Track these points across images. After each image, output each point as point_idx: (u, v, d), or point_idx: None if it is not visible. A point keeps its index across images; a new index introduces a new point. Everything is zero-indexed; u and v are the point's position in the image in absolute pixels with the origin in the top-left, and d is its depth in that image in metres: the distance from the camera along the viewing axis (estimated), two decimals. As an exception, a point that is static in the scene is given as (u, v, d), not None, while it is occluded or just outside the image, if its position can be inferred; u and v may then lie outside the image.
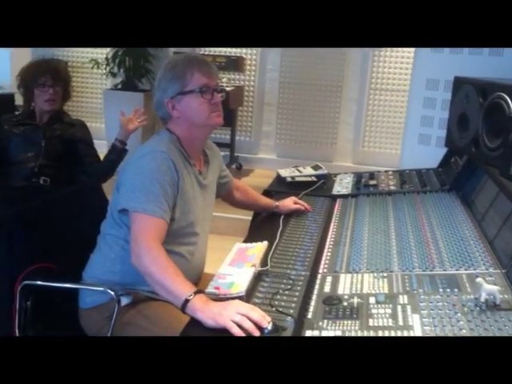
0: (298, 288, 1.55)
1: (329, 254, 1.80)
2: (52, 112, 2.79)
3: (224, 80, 5.43)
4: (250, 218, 2.53)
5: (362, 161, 5.44)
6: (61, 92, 2.79)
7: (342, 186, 2.59)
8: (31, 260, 1.69)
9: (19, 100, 3.38)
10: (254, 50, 5.69)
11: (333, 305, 1.43)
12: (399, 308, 1.38)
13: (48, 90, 2.71)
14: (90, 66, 5.57)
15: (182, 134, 1.76)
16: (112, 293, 1.61)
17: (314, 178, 2.70)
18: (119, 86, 5.54)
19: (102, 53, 5.68)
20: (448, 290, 1.46)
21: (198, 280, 1.83)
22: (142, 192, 1.59)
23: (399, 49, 5.28)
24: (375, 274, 1.60)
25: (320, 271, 1.67)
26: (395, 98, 5.37)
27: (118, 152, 2.75)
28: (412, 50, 5.10)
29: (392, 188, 2.49)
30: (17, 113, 3.08)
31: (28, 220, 1.75)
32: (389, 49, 5.30)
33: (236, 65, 5.56)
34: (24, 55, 3.90)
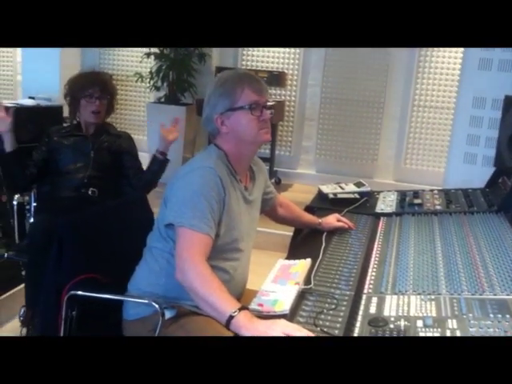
0: (343, 308, 1.53)
1: (373, 273, 1.77)
2: (97, 124, 2.84)
3: (265, 95, 5.44)
4: (290, 233, 2.52)
5: (404, 178, 5.37)
6: (106, 104, 2.83)
7: (386, 204, 2.55)
8: (78, 270, 1.71)
9: (67, 112, 3.47)
10: (296, 66, 5.71)
11: (379, 326, 1.40)
12: (448, 333, 1.35)
13: (95, 101, 2.76)
14: (135, 80, 5.68)
15: (230, 150, 1.76)
16: (156, 306, 1.62)
17: (357, 195, 2.67)
18: (162, 100, 5.63)
19: (146, 66, 5.79)
20: (499, 315, 1.42)
21: (241, 296, 1.83)
22: (189, 207, 1.60)
23: (444, 65, 5.22)
24: (422, 297, 1.56)
25: (365, 291, 1.64)
26: (439, 116, 5.30)
27: (159, 163, 2.77)
28: (457, 66, 5.04)
29: (438, 208, 2.44)
30: (65, 124, 3.14)
31: (77, 231, 1.78)
32: (433, 65, 5.24)
33: (278, 80, 5.58)
34: (73, 68, 4.00)
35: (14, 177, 2.67)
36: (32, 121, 2.96)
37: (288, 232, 2.59)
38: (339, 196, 2.68)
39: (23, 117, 2.69)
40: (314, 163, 5.78)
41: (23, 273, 2.89)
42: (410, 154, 5.46)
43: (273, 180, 5.51)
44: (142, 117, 6.14)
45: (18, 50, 6.23)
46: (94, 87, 2.76)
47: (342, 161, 5.65)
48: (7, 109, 2.67)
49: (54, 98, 3.56)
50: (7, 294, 2.94)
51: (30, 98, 3.53)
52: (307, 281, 1.69)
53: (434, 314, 1.46)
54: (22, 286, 2.86)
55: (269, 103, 1.81)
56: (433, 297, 1.56)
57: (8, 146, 2.62)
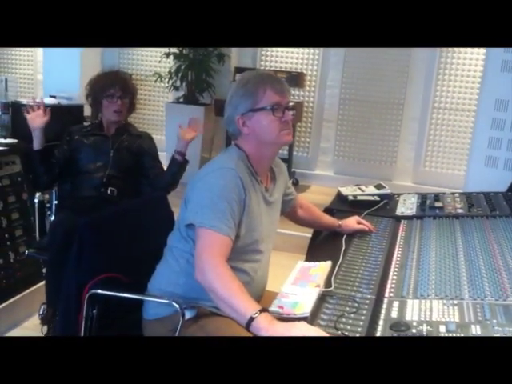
0: (364, 312, 1.51)
1: (395, 277, 1.75)
2: (119, 123, 2.85)
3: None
4: (309, 235, 2.51)
5: (423, 181, 5.33)
6: (128, 104, 2.85)
7: (406, 206, 2.53)
8: (99, 269, 1.72)
9: (88, 111, 3.49)
10: (315, 66, 5.69)
11: (401, 331, 1.39)
12: (472, 339, 1.33)
13: (116, 101, 2.77)
14: (154, 80, 5.70)
15: (251, 151, 1.76)
16: (176, 306, 1.62)
17: (377, 198, 2.65)
18: (181, 100, 5.65)
19: (165, 67, 5.81)
20: (524, 321, 1.39)
21: (260, 297, 1.82)
22: (210, 208, 1.60)
23: (465, 67, 5.17)
24: (445, 301, 1.54)
25: (386, 295, 1.63)
26: (459, 118, 5.25)
27: (178, 164, 2.77)
28: (479, 68, 4.99)
29: (459, 211, 2.41)
30: (86, 123, 3.17)
31: (97, 230, 1.79)
32: (454, 67, 5.19)
33: (296, 80, 5.57)
34: (94, 67, 4.03)
35: (37, 175, 2.70)
36: (53, 119, 2.97)
37: (306, 234, 2.58)
38: (359, 198, 2.66)
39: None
40: (331, 165, 5.76)
41: (43, 270, 2.92)
42: (430, 156, 5.41)
43: (290, 181, 5.49)
44: (161, 116, 6.17)
45: (39, 50, 6.30)
46: (114, 87, 2.77)
47: (361, 163, 5.62)
48: (45, 108, 2.72)
49: (75, 97, 3.59)
50: (27, 291, 2.97)
51: (51, 96, 3.55)
52: (327, 283, 1.68)
53: (456, 320, 1.43)
54: (42, 283, 2.89)
55: (292, 104, 1.80)
56: (455, 302, 1.54)
57: (37, 144, 2.65)
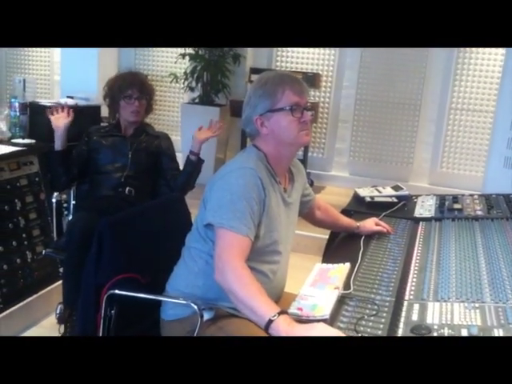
0: (384, 314, 1.50)
1: (414, 279, 1.73)
2: (136, 124, 2.86)
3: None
4: (324, 236, 2.49)
5: (440, 182, 5.28)
6: (145, 104, 2.86)
7: (425, 208, 2.50)
8: (118, 270, 1.73)
9: (105, 112, 3.51)
10: (331, 67, 5.68)
11: (422, 334, 1.37)
12: (495, 343, 1.31)
13: (134, 102, 2.79)
14: (169, 80, 5.71)
15: (270, 151, 1.75)
16: (195, 307, 1.61)
17: (395, 199, 2.63)
18: (196, 100, 5.66)
19: (180, 67, 5.82)
20: (548, 326, 1.37)
21: (279, 299, 1.81)
22: (229, 208, 1.60)
23: (483, 68, 5.12)
24: (466, 304, 1.52)
25: (406, 297, 1.61)
26: (476, 119, 5.20)
27: (193, 164, 2.78)
28: (497, 69, 4.94)
29: (478, 213, 2.38)
30: (103, 124, 3.18)
31: (117, 230, 1.79)
32: (471, 67, 5.14)
33: (312, 81, 5.55)
34: (111, 68, 4.05)
35: (57, 175, 2.72)
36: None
37: (322, 235, 2.57)
38: (376, 199, 2.64)
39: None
40: (347, 165, 5.74)
41: (61, 270, 2.94)
42: (447, 157, 5.37)
43: (306, 182, 5.48)
44: (176, 117, 6.18)
45: (56, 50, 6.35)
46: (132, 88, 2.79)
47: (377, 163, 5.59)
48: (68, 109, 2.78)
49: (92, 98, 3.60)
50: (44, 290, 2.99)
51: (69, 97, 3.57)
52: (346, 285, 1.67)
53: (478, 323, 1.41)
54: (59, 282, 2.91)
55: (310, 105, 1.79)
56: (477, 305, 1.52)
57: (59, 145, 2.69)
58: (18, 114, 3.20)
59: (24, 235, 2.92)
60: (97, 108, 3.49)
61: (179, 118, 5.97)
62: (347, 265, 1.79)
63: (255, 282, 1.49)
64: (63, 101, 3.53)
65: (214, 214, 1.63)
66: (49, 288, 3.01)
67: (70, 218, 2.92)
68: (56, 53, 6.40)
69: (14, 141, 3.12)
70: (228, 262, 1.52)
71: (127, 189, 2.72)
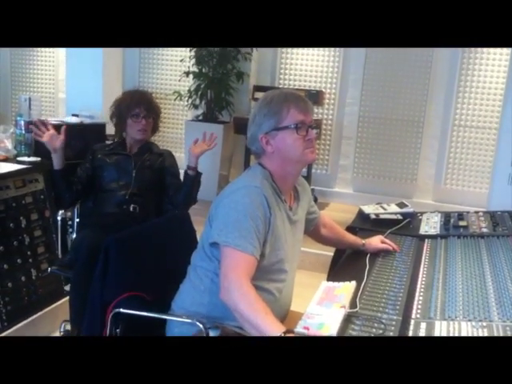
0: (391, 333, 1.49)
1: (421, 298, 1.73)
2: (142, 142, 2.87)
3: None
4: (329, 253, 2.49)
5: (444, 198, 5.28)
6: (152, 123, 2.88)
7: (430, 225, 2.50)
8: (123, 288, 1.72)
9: (110, 129, 3.53)
10: (334, 84, 5.71)
11: (430, 354, 1.36)
12: (503, 362, 1.29)
13: (141, 120, 2.81)
14: (173, 98, 5.75)
15: (275, 170, 1.76)
16: (201, 325, 1.61)
17: (400, 216, 2.62)
18: (200, 118, 5.69)
19: (184, 85, 5.86)
20: (557, 345, 1.36)
21: (285, 318, 1.81)
22: (235, 227, 1.60)
23: (485, 85, 5.14)
24: (473, 323, 1.51)
25: (413, 316, 1.60)
26: (480, 136, 5.21)
27: (191, 178, 2.77)
28: (500, 86, 4.96)
29: (484, 230, 2.37)
30: (108, 142, 3.19)
31: (123, 247, 1.79)
32: (474, 85, 5.17)
33: (315, 99, 5.57)
34: (115, 86, 4.08)
35: (61, 193, 2.72)
36: (76, 138, 3.01)
37: (326, 252, 2.56)
38: (381, 217, 2.63)
39: (68, 134, 2.75)
40: (351, 182, 5.74)
41: (65, 287, 2.93)
42: (451, 174, 5.37)
43: (310, 199, 5.48)
44: (180, 134, 6.21)
45: (61, 68, 6.42)
46: (140, 107, 2.81)
47: (380, 180, 5.60)
48: (56, 127, 2.73)
49: (97, 116, 3.62)
50: (49, 307, 2.98)
51: (74, 115, 3.59)
52: (353, 304, 1.66)
53: (486, 342, 1.40)
54: (64, 300, 2.91)
55: (315, 123, 1.80)
56: (484, 324, 1.51)
57: (57, 164, 2.66)
58: (23, 132, 3.21)
59: (29, 252, 2.92)
60: (102, 126, 3.50)
61: (183, 135, 6.00)
62: (353, 283, 1.79)
63: (261, 301, 1.48)
64: (68, 119, 3.55)
65: (219, 233, 1.63)
66: (53, 305, 3.00)
67: (75, 235, 2.93)
68: (61, 71, 6.46)
69: (19, 159, 3.13)
70: (234, 281, 1.52)
71: (131, 206, 2.72)
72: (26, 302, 2.87)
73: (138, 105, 2.80)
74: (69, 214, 3.00)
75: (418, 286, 1.83)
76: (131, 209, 2.72)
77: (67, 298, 2.94)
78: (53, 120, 3.33)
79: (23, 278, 2.86)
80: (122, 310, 1.69)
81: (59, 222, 2.91)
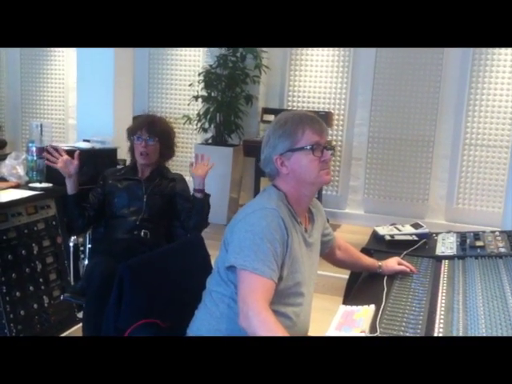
0: (414, 358, 1.45)
1: (442, 321, 1.69)
2: (152, 166, 2.85)
3: (312, 135, 5.45)
4: (344, 275, 2.45)
5: (456, 218, 5.24)
6: (156, 146, 2.81)
7: (446, 246, 2.46)
8: (137, 315, 1.70)
9: (121, 154, 3.53)
10: (343, 106, 5.72)
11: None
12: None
13: (141, 142, 2.77)
14: (183, 122, 5.77)
15: (290, 191, 1.74)
16: (218, 353, 1.57)
17: (415, 237, 2.58)
18: (209, 141, 5.70)
19: (193, 109, 5.89)
20: None
21: (303, 343, 1.77)
22: (252, 250, 1.57)
23: (495, 104, 5.13)
24: (498, 347, 1.47)
25: (435, 340, 1.56)
26: (491, 154, 5.19)
27: (201, 201, 2.74)
28: (509, 104, 4.94)
29: (502, 250, 2.33)
30: (119, 167, 3.19)
31: (137, 274, 1.77)
32: (484, 103, 5.16)
33: (325, 120, 5.50)
34: (126, 111, 4.10)
35: (73, 219, 2.71)
36: (88, 163, 3.01)
37: (341, 274, 2.53)
38: (396, 238, 2.60)
39: (80, 159, 2.76)
40: (362, 203, 5.71)
41: (78, 315, 2.90)
42: (463, 193, 5.33)
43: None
44: (190, 158, 6.21)
45: (70, 95, 6.50)
46: (141, 129, 2.79)
47: (392, 201, 5.56)
48: (68, 152, 2.73)
49: (108, 141, 3.63)
50: (62, 335, 2.95)
51: (85, 140, 3.60)
52: (373, 328, 1.63)
53: (513, 367, 1.36)
54: (76, 327, 2.89)
55: (331, 144, 1.78)
56: (509, 347, 1.47)
57: (71, 189, 2.66)
58: (35, 158, 3.22)
59: (41, 280, 2.90)
60: (113, 151, 3.51)
61: (193, 159, 5.99)
62: (372, 306, 1.75)
63: (280, 328, 1.45)
64: (79, 144, 3.56)
65: (236, 256, 1.60)
66: (66, 333, 2.97)
67: (87, 261, 2.91)
68: (70, 97, 6.54)
69: (31, 185, 3.13)
70: (253, 307, 1.49)
71: (142, 231, 2.70)
72: (39, 330, 2.84)
73: (139, 127, 2.79)
74: (81, 240, 2.99)
75: (438, 308, 1.79)
76: (142, 234, 2.70)
77: (79, 325, 2.92)
78: (64, 146, 3.34)
79: (35, 306, 2.84)
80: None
81: (71, 249, 2.90)
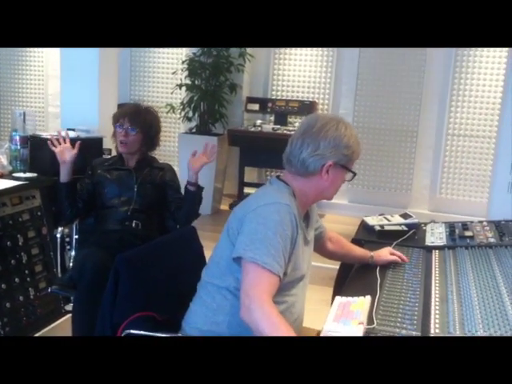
0: (412, 349, 1.46)
1: (437, 311, 1.70)
2: (138, 156, 2.80)
3: (296, 124, 5.46)
4: (333, 266, 2.45)
5: (440, 208, 5.29)
6: (137, 136, 2.74)
7: (436, 236, 2.48)
8: (133, 308, 1.68)
9: (106, 144, 3.48)
10: (327, 95, 5.71)
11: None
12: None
13: (122, 131, 2.72)
14: (166, 111, 5.71)
15: (300, 191, 1.72)
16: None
17: (405, 227, 2.60)
18: (193, 130, 5.66)
19: (177, 98, 5.83)
20: None
21: (299, 334, 1.76)
22: (263, 244, 1.54)
23: (478, 94, 5.18)
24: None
25: (432, 331, 1.57)
26: (474, 144, 5.24)
27: (193, 193, 2.70)
28: (492, 95, 4.99)
29: (491, 240, 2.35)
30: (106, 156, 3.14)
31: (133, 267, 1.75)
32: (467, 94, 5.20)
33: (309, 109, 5.58)
34: (111, 100, 4.04)
35: (63, 209, 2.66)
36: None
37: (329, 265, 2.52)
38: (386, 228, 2.61)
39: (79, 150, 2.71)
40: (346, 193, 5.72)
41: (66, 307, 2.87)
42: (445, 183, 5.38)
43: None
44: (174, 147, 6.18)
45: (50, 83, 6.39)
46: (123, 117, 2.73)
47: (375, 190, 5.59)
48: (70, 141, 2.70)
49: (93, 130, 3.57)
50: (48, 327, 2.91)
51: (69, 129, 3.53)
52: (369, 320, 1.63)
53: (511, 357, 1.38)
54: (63, 319, 2.85)
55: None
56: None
57: (64, 176, 2.62)
58: (18, 147, 3.15)
59: (27, 271, 2.85)
60: (99, 140, 3.46)
61: (177, 148, 5.96)
62: (368, 298, 1.76)
63: (283, 321, 1.44)
64: (64, 133, 3.49)
65: (245, 248, 1.56)
66: (52, 325, 2.93)
67: (73, 253, 2.86)
68: (50, 85, 6.42)
69: (15, 175, 3.07)
70: (256, 300, 1.47)
71: (134, 222, 2.66)
72: (25, 323, 2.79)
73: (123, 116, 2.73)
74: (66, 231, 2.94)
75: (433, 299, 1.80)
76: (133, 225, 2.66)
77: (66, 317, 2.90)
78: (49, 135, 3.27)
79: (21, 298, 2.79)
80: (132, 331, 1.64)
81: (58, 240, 2.85)
